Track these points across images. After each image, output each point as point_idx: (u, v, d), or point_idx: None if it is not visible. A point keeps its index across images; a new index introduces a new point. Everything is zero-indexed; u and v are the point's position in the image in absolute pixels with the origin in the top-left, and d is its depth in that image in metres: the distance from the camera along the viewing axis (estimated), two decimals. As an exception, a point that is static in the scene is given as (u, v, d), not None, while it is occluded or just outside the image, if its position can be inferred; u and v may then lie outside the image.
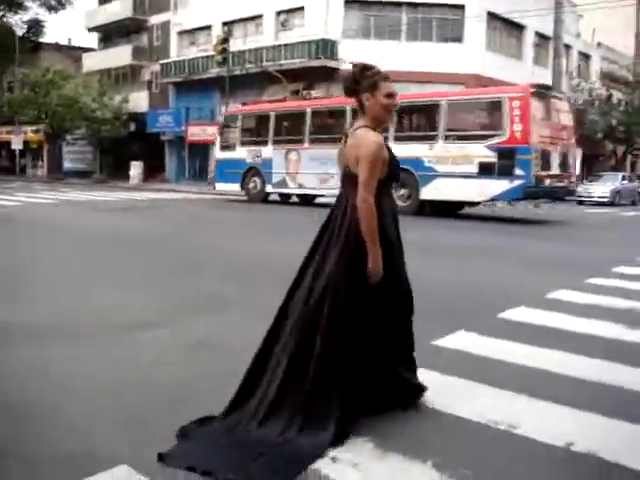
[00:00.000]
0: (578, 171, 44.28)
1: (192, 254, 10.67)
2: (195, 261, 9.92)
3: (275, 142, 23.17)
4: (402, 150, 17.50)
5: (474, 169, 18.01)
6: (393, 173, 3.87)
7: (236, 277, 8.60)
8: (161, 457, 3.29)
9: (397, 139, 18.97)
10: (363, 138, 3.74)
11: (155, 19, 46.52)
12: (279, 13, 38.43)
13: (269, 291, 6.57)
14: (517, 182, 17.40)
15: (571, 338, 5.84)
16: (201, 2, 41.58)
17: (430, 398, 4.17)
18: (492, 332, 5.92)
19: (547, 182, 18.09)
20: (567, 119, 19.75)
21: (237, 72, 36.38)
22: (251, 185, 24.03)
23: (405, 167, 17.90)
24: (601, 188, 32.00)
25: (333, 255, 3.76)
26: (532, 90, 17.79)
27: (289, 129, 23.62)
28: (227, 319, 6.31)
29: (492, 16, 36.06)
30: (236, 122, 24.73)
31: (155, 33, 46.79)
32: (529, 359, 5.14)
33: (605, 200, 31.34)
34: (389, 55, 33.15)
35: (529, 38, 39.97)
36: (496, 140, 17.71)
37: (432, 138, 19.13)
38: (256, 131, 24.41)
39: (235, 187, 24.45)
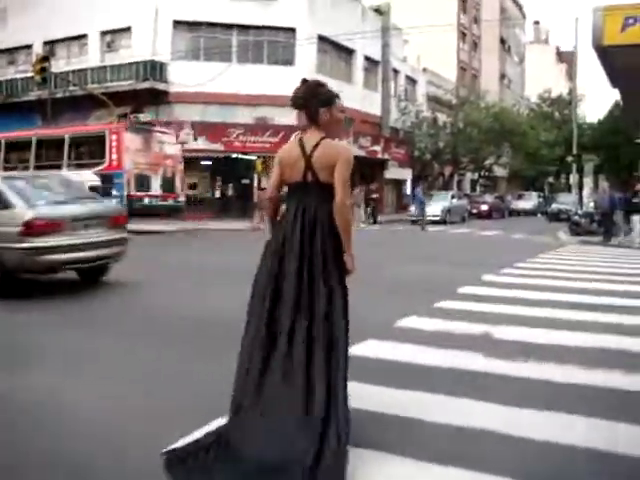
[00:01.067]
0: (409, 191, 45.21)
1: None
2: None
3: None
4: None
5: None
6: None
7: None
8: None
9: (36, 167, 22.52)
10: (340, 146, 4.02)
11: (-32, 37, 43.33)
12: (104, 33, 36.80)
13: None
14: (114, 201, 20.24)
15: (427, 373, 5.43)
16: (21, 20, 39.06)
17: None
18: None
19: (146, 201, 22.08)
20: (173, 149, 23.80)
21: (60, 95, 34.45)
22: None
23: None
24: (433, 207, 32.82)
25: (319, 265, 3.86)
26: (127, 126, 21.95)
27: None
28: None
29: (322, 40, 36.34)
30: None
31: (-32, 52, 43.57)
32: (381, 405, 4.60)
33: (437, 218, 32.19)
34: (219, 77, 32.69)
35: (359, 62, 40.64)
36: (100, 167, 21.52)
37: (59, 166, 22.07)
38: None
39: None
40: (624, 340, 6.60)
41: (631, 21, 22.82)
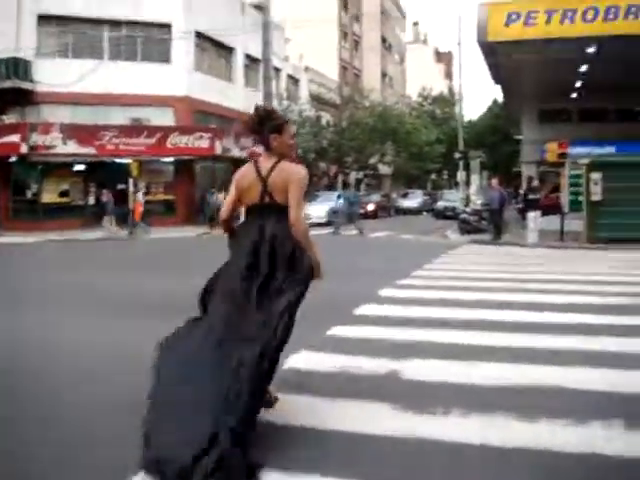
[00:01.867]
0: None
1: None
2: None
3: None
4: None
5: None
6: None
7: None
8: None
9: None
10: (294, 168, 4.34)
11: None
12: (-42, 28, 33.93)
13: None
14: None
15: (314, 439, 4.11)
16: None
17: None
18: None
19: None
20: None
21: None
22: None
23: None
24: (318, 209, 31.79)
25: (282, 274, 4.19)
26: None
27: None
28: None
29: (200, 36, 34.68)
30: None
31: None
32: None
33: (322, 220, 31.13)
34: (90, 76, 30.61)
35: (239, 60, 39.18)
36: None
37: None
38: None
39: None
40: (567, 375, 5.54)
41: (514, 17, 22.64)
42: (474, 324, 7.52)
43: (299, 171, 4.32)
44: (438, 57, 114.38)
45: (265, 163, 4.32)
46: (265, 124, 4.33)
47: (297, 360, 5.91)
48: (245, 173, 4.39)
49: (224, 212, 4.50)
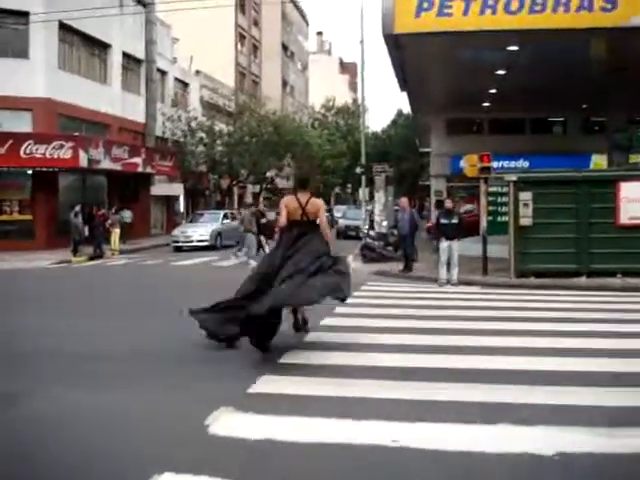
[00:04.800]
0: (182, 209, 39.43)
1: None
2: None
3: None
4: None
5: None
6: None
7: None
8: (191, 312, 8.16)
9: None
10: (319, 202, 8.31)
11: None
12: None
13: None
14: None
15: None
16: None
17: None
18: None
19: None
20: None
21: None
22: None
23: None
24: (200, 230, 27.63)
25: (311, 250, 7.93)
26: None
27: None
28: None
29: (66, 29, 29.90)
30: None
31: None
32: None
33: (205, 243, 27.12)
34: None
35: (116, 59, 34.38)
36: None
37: None
38: None
39: None
40: None
41: (426, 5, 19.10)
42: None
43: (321, 204, 8.32)
44: (343, 68, 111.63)
45: (303, 197, 8.13)
46: (305, 179, 8.42)
47: None
48: (291, 200, 8.15)
49: (282, 222, 8.09)
